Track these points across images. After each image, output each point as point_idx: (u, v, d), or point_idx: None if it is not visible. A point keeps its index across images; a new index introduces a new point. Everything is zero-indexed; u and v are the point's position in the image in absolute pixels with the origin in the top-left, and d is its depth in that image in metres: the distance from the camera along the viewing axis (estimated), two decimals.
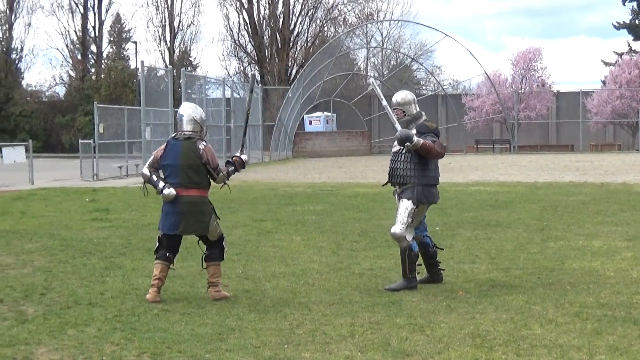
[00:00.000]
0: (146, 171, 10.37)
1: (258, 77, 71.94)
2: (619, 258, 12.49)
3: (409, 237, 10.41)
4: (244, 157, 10.58)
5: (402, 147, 10.43)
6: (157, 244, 10.36)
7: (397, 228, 10.41)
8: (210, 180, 10.34)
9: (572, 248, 13.51)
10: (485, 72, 59.36)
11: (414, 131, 10.46)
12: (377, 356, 7.50)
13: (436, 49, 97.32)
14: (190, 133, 10.24)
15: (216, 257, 10.31)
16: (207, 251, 10.37)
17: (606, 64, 78.76)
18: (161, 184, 10.18)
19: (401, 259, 10.49)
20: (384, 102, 11.41)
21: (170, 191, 10.09)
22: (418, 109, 10.86)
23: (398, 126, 10.60)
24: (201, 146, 10.15)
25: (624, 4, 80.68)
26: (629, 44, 78.86)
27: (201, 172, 10.15)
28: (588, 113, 60.66)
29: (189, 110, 10.44)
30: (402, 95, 10.84)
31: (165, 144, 10.35)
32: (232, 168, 10.43)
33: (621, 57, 70.49)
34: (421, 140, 10.28)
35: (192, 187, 10.11)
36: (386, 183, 10.92)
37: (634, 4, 79.62)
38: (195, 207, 10.13)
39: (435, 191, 10.59)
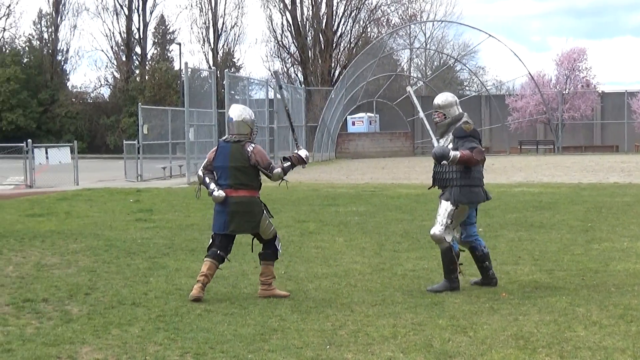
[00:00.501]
0: (200, 173, 10.68)
1: (300, 76, 72.06)
2: None
3: (449, 238, 10.35)
4: (302, 152, 10.63)
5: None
6: (210, 241, 10.54)
7: (437, 229, 10.37)
8: (265, 179, 10.55)
9: (617, 250, 13.41)
10: (529, 73, 59.01)
11: (450, 137, 10.39)
12: (419, 357, 7.48)
13: (480, 50, 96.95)
14: (239, 136, 10.38)
15: (268, 257, 10.44)
16: (262, 250, 10.54)
17: None
18: (212, 186, 10.43)
19: (442, 260, 10.47)
20: (421, 114, 11.44)
21: (219, 193, 10.33)
22: (460, 111, 10.68)
23: (435, 142, 10.54)
24: (249, 148, 10.29)
25: None
26: None
27: (250, 174, 10.31)
28: (633, 114, 60.09)
29: (237, 112, 10.52)
30: (442, 98, 10.73)
31: (216, 147, 10.59)
32: (288, 164, 10.52)
33: None
34: (457, 154, 10.10)
35: (241, 188, 10.30)
36: (432, 186, 10.85)
37: None
38: (244, 207, 10.31)
39: (477, 191, 10.39)
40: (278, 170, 10.38)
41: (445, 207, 10.36)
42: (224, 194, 10.30)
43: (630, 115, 59.92)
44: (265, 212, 10.49)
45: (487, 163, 10.43)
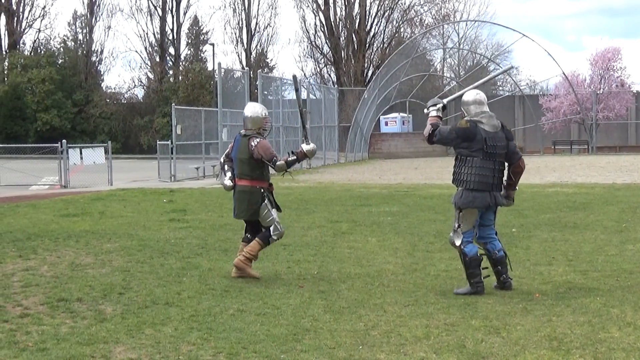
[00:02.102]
0: (221, 159, 11.84)
1: (332, 76, 72.10)
2: None
3: (457, 242, 10.27)
4: (305, 146, 11.44)
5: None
6: None
7: (450, 233, 10.42)
8: (270, 170, 11.54)
9: None
10: (563, 73, 58.74)
11: None
12: (452, 358, 7.47)
13: (513, 50, 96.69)
14: (248, 131, 11.52)
15: (262, 237, 11.47)
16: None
17: None
18: (223, 175, 11.65)
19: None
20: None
21: (225, 182, 11.64)
22: (479, 111, 10.39)
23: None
24: (253, 142, 11.30)
25: None
26: None
27: (251, 165, 11.33)
28: None
29: (250, 109, 11.72)
30: (464, 96, 10.69)
31: (234, 139, 11.68)
32: (293, 158, 11.45)
33: None
34: (432, 113, 10.87)
35: (243, 178, 11.42)
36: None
37: None
38: (244, 195, 11.42)
39: (479, 195, 10.15)
40: (281, 162, 11.32)
41: (455, 211, 10.41)
42: (227, 183, 11.58)
43: None
44: (266, 201, 11.37)
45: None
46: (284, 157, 11.40)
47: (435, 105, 10.84)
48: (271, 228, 11.48)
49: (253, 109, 11.65)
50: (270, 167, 11.43)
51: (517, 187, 10.70)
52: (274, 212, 11.48)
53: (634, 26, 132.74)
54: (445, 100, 10.98)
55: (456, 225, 10.30)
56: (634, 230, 15.70)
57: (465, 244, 10.24)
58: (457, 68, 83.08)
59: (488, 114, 10.39)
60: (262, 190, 11.41)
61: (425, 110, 10.93)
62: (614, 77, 62.09)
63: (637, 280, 10.91)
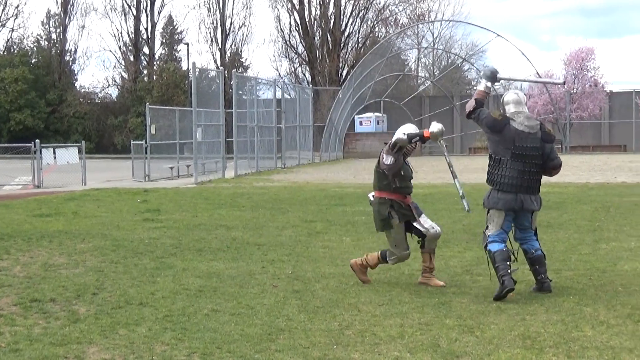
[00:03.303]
0: None
1: (307, 75, 72.21)
2: None
3: (483, 243, 10.22)
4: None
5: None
6: None
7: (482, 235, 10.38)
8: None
9: (625, 249, 13.39)
10: (537, 72, 58.92)
11: None
12: (426, 357, 7.48)
13: (488, 49, 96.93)
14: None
15: (382, 253, 11.11)
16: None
17: None
18: None
19: None
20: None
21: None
22: (517, 110, 10.19)
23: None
24: (382, 155, 10.79)
25: None
26: None
27: (378, 176, 10.89)
28: None
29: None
30: (505, 96, 10.51)
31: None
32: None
33: None
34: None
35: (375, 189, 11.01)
36: None
37: None
38: (373, 207, 11.00)
39: (504, 197, 9.97)
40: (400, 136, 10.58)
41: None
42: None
43: (639, 115, 59.84)
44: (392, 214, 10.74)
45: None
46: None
47: (488, 80, 10.50)
48: (388, 252, 10.98)
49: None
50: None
51: None
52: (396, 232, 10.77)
53: (608, 26, 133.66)
54: (499, 77, 10.66)
55: (485, 227, 10.24)
56: (607, 229, 15.78)
57: (491, 242, 10.07)
58: (431, 68, 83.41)
59: (525, 114, 10.17)
60: (389, 201, 10.76)
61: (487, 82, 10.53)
62: (588, 77, 62.38)
63: (610, 279, 10.96)
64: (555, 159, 10.22)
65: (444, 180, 30.11)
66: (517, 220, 10.21)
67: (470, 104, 10.41)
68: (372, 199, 11.00)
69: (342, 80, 68.83)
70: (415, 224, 10.83)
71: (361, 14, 74.74)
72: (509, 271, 9.83)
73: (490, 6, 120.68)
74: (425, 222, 10.88)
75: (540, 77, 57.48)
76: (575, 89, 61.34)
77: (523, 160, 9.98)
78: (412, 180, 11.13)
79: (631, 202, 20.75)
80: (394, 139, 10.59)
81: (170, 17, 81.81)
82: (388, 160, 10.62)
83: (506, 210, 10.05)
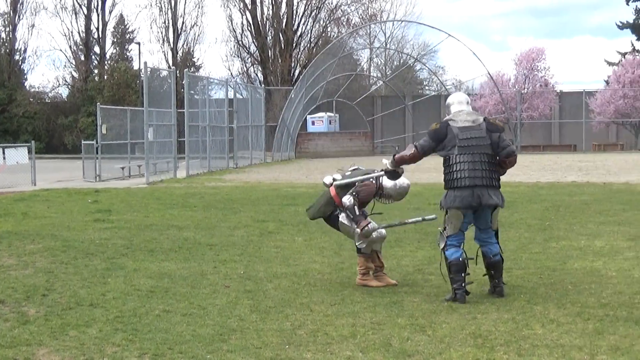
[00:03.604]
0: None
1: (259, 75, 72.21)
2: (621, 258, 12.48)
3: (441, 245, 10.03)
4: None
5: None
6: None
7: (437, 235, 10.24)
8: None
9: (574, 248, 13.50)
10: (489, 72, 59.29)
11: None
12: (378, 356, 7.49)
13: (439, 49, 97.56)
14: None
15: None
16: None
17: (609, 63, 78.89)
18: None
19: None
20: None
21: None
22: (459, 109, 10.23)
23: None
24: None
25: (627, 4, 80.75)
26: (632, 44, 78.94)
27: None
28: (591, 113, 60.71)
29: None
30: (448, 98, 10.57)
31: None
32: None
33: (624, 57, 70.64)
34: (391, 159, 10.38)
35: None
36: None
37: (638, 3, 79.65)
38: None
39: (457, 194, 9.78)
40: (348, 201, 10.78)
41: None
42: None
43: (588, 115, 60.51)
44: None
45: (440, 162, 10.24)
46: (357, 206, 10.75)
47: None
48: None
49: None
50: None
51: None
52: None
53: (558, 26, 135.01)
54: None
55: (442, 228, 10.04)
56: (557, 228, 15.91)
57: (448, 247, 9.90)
58: (383, 68, 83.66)
59: (462, 111, 10.13)
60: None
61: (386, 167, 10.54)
62: (538, 77, 62.92)
63: (560, 277, 11.05)
64: (507, 147, 9.95)
65: None
66: (477, 220, 10.00)
67: (409, 152, 10.36)
68: (329, 181, 11.14)
69: (294, 80, 68.82)
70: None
71: (313, 13, 74.77)
72: (463, 284, 9.73)
73: (442, 6, 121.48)
74: (374, 224, 10.93)
75: (491, 77, 57.81)
76: (526, 89, 61.83)
77: (471, 151, 9.81)
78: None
79: (581, 201, 20.93)
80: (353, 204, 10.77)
81: (121, 16, 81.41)
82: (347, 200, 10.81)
83: (464, 209, 9.81)
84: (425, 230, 15.60)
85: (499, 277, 9.95)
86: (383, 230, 10.96)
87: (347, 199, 10.74)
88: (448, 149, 9.90)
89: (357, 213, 10.70)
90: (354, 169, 11.33)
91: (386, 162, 10.49)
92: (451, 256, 9.86)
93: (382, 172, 10.58)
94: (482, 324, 8.57)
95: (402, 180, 11.06)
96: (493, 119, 10.25)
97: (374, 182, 10.99)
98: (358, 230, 10.68)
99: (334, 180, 11.10)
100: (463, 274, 9.77)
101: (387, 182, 10.97)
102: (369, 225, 10.65)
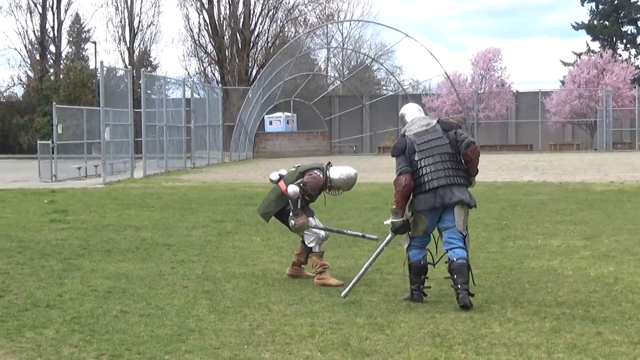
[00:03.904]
0: None
1: (217, 75, 72.08)
2: (577, 257, 12.58)
3: (404, 245, 10.01)
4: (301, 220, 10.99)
5: None
6: None
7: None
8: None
9: (531, 247, 13.59)
10: (445, 72, 59.54)
11: None
12: (337, 356, 7.50)
13: (396, 49, 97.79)
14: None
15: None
16: None
17: (565, 64, 79.66)
18: None
19: None
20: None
21: None
22: (414, 117, 10.27)
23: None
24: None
25: (582, 5, 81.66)
26: (587, 44, 79.92)
27: None
28: (547, 113, 61.16)
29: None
30: (401, 110, 10.54)
31: None
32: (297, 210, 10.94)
33: (580, 58, 71.29)
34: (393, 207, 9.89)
35: None
36: None
37: (592, 4, 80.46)
38: None
39: (423, 197, 9.64)
40: (293, 190, 10.93)
41: None
42: None
43: (544, 115, 60.96)
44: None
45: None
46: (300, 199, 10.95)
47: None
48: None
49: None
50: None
51: (475, 174, 10.16)
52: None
53: (514, 27, 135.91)
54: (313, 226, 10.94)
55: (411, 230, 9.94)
56: (514, 227, 16.01)
57: (412, 248, 9.88)
58: (341, 67, 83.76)
59: (414, 119, 10.15)
60: None
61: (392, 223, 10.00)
62: (495, 77, 63.30)
63: (517, 276, 11.12)
64: (465, 139, 9.86)
65: None
66: (441, 221, 9.78)
67: (400, 180, 9.79)
68: (275, 177, 11.48)
69: (251, 79, 68.70)
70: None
71: (270, 13, 74.69)
72: (421, 287, 9.78)
73: (399, 7, 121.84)
74: (318, 223, 11.23)
75: (448, 77, 58.05)
76: (482, 89, 62.17)
77: (430, 153, 9.72)
78: None
79: (537, 200, 21.08)
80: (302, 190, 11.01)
81: (77, 15, 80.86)
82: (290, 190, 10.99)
83: (428, 211, 9.68)
84: (384, 230, 15.60)
85: (461, 283, 9.39)
86: (323, 233, 11.10)
87: (292, 189, 10.90)
88: (410, 156, 9.78)
89: (298, 206, 10.87)
90: (297, 167, 11.59)
91: (389, 221, 9.98)
92: (413, 257, 9.85)
93: (392, 235, 10.13)
94: (440, 323, 8.61)
95: (349, 170, 11.42)
96: (446, 119, 10.24)
97: (320, 174, 11.20)
98: (292, 221, 10.86)
99: (281, 176, 11.19)
100: (422, 277, 9.82)
101: (334, 174, 11.26)
102: (306, 221, 10.89)
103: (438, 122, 10.07)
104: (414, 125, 10.05)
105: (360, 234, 11.53)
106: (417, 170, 9.74)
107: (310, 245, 11.04)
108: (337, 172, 11.31)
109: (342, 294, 9.86)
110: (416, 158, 9.75)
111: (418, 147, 9.76)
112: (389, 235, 10.08)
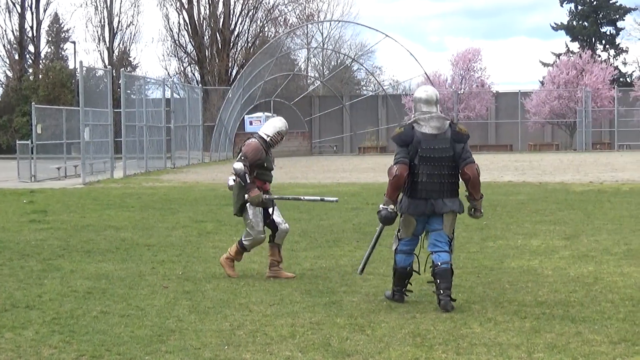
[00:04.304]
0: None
1: (197, 75, 71.98)
2: (557, 257, 12.62)
3: (393, 246, 9.84)
4: (255, 194, 11.21)
5: None
6: None
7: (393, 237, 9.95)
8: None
9: (511, 247, 13.63)
10: (425, 73, 59.65)
11: None
12: (317, 356, 7.49)
13: (377, 50, 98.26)
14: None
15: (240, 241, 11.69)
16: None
17: (544, 64, 79.94)
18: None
19: None
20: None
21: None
22: (428, 109, 9.85)
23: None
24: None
25: (561, 5, 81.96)
26: (566, 45, 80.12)
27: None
28: (527, 113, 61.34)
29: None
30: (416, 93, 10.09)
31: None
32: (247, 179, 11.17)
33: (559, 58, 71.56)
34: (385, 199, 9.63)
35: None
36: None
37: (572, 5, 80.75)
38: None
39: (416, 203, 9.48)
40: (239, 166, 11.06)
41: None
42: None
43: (524, 115, 61.15)
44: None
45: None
46: (248, 173, 11.14)
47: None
48: (245, 233, 11.55)
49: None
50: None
51: (479, 197, 9.94)
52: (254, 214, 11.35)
53: (494, 27, 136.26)
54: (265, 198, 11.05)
55: (396, 230, 9.83)
56: (494, 227, 16.05)
57: (399, 252, 9.75)
58: (321, 68, 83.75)
59: (430, 115, 9.69)
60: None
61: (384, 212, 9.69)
62: (475, 78, 63.45)
63: (497, 276, 11.15)
64: (468, 159, 9.64)
65: (334, 180, 30.25)
66: (429, 224, 9.67)
67: (393, 170, 9.49)
68: (232, 183, 11.51)
69: (231, 79, 68.64)
70: (273, 215, 11.44)
71: (250, 13, 74.60)
72: (404, 290, 9.75)
73: (379, 7, 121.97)
74: (278, 216, 11.59)
75: (428, 77, 58.10)
76: (462, 90, 62.32)
77: (432, 163, 9.45)
78: (273, 172, 12.04)
79: (517, 200, 21.14)
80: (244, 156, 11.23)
81: (56, 15, 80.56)
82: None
83: (417, 216, 9.58)
84: (363, 230, 15.66)
85: (444, 289, 9.31)
86: (285, 225, 11.49)
87: (236, 165, 11.13)
88: (412, 156, 9.47)
89: (248, 180, 11.11)
90: None
91: (381, 206, 9.68)
92: (399, 263, 9.74)
93: (381, 227, 9.97)
94: (421, 323, 8.62)
95: (276, 121, 11.99)
96: (460, 126, 9.88)
97: (253, 139, 11.58)
98: (246, 196, 11.10)
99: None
100: (406, 281, 9.78)
101: (267, 130, 11.79)
102: (259, 193, 11.17)
103: (450, 126, 9.72)
104: (426, 122, 9.62)
105: (319, 197, 11.94)
106: (413, 174, 9.49)
107: (244, 242, 11.43)
108: (269, 127, 11.81)
109: (272, 198, 10.26)
110: (416, 162, 9.47)
111: (422, 152, 9.46)
112: (379, 227, 9.91)
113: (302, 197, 11.97)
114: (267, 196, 11.38)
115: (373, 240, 10.13)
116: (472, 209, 9.98)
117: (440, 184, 9.51)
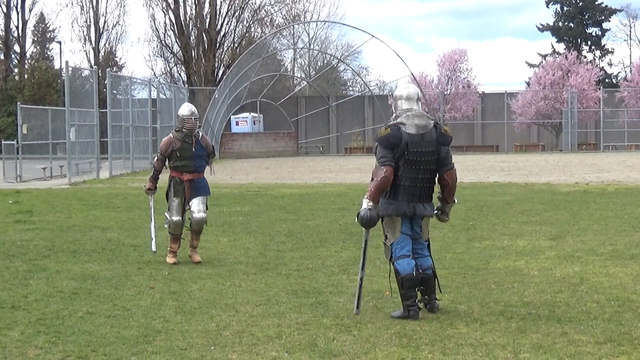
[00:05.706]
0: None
1: (183, 75, 71.89)
2: (543, 257, 12.65)
3: (387, 256, 9.37)
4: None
5: None
6: None
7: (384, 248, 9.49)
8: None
9: (497, 248, 13.65)
10: (412, 73, 59.65)
11: None
12: (304, 357, 7.50)
13: (363, 50, 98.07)
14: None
15: None
16: None
17: (530, 65, 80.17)
18: None
19: None
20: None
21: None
22: (409, 107, 9.44)
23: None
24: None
25: (547, 7, 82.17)
26: (552, 46, 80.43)
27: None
28: (513, 114, 61.39)
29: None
30: (396, 90, 9.77)
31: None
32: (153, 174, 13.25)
33: (545, 59, 71.74)
34: (366, 196, 9.11)
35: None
36: None
37: (557, 6, 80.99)
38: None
39: (392, 202, 9.14)
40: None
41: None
42: None
43: (510, 116, 61.19)
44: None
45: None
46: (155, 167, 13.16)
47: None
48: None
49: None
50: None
51: (452, 201, 9.79)
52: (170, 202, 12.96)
53: (480, 28, 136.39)
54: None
55: (384, 238, 9.33)
56: (480, 228, 16.07)
57: (398, 257, 9.16)
58: (307, 68, 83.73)
59: (414, 113, 9.30)
60: (170, 180, 13.06)
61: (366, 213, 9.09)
62: (461, 78, 63.50)
63: (483, 277, 11.17)
64: (449, 165, 9.41)
65: (320, 180, 30.26)
66: (410, 229, 9.36)
67: (379, 173, 9.07)
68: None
69: (218, 80, 68.50)
70: (192, 204, 12.76)
71: (237, 13, 74.43)
72: (417, 300, 9.06)
73: (365, 8, 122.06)
74: (195, 205, 12.75)
75: (415, 78, 58.14)
76: (448, 90, 62.39)
77: (417, 166, 9.15)
78: (195, 160, 13.05)
79: (503, 201, 21.18)
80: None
81: (42, 14, 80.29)
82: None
83: (401, 215, 9.24)
84: (350, 231, 15.66)
85: (430, 294, 9.22)
86: (199, 215, 12.66)
87: (154, 159, 12.68)
88: (396, 155, 9.13)
89: (152, 174, 13.06)
90: None
91: (364, 202, 9.10)
92: (403, 271, 9.06)
93: (366, 232, 9.57)
94: (407, 323, 8.62)
95: (183, 108, 13.14)
96: (444, 127, 9.47)
97: (170, 135, 13.02)
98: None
99: None
100: (417, 289, 9.13)
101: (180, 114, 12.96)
102: (150, 186, 13.20)
103: (435, 126, 9.34)
104: (409, 120, 9.25)
105: (153, 231, 13.30)
106: (398, 177, 9.15)
107: (165, 226, 12.84)
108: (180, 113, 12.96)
109: (354, 312, 9.08)
110: (400, 164, 9.12)
111: (408, 155, 9.11)
112: (364, 234, 9.23)
113: (151, 220, 13.54)
114: (150, 195, 13.42)
115: (360, 262, 9.26)
116: (440, 212, 9.83)
117: (422, 188, 9.27)
